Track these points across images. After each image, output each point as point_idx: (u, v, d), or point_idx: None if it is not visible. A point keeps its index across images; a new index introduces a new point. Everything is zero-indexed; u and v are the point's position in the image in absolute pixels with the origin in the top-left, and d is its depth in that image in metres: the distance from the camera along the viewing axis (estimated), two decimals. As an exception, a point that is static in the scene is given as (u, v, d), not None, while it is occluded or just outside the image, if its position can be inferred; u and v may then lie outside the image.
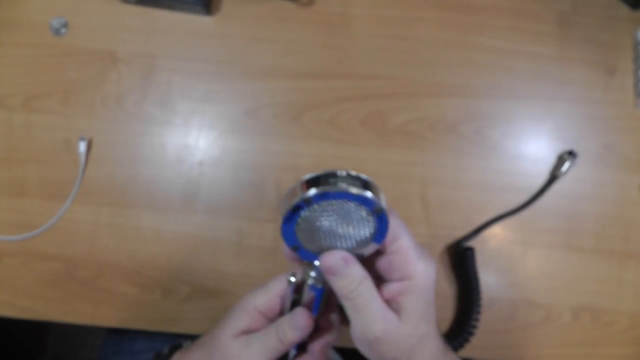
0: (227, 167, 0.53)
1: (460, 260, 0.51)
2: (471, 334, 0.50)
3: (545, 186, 0.53)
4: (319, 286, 0.34)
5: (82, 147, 0.52)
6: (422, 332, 0.33)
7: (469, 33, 0.55)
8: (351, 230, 0.30)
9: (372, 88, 0.54)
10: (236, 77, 0.54)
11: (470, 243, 0.52)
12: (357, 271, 0.32)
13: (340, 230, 0.30)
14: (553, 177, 0.53)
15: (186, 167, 0.53)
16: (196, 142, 0.54)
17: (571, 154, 0.52)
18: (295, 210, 0.29)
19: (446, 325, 0.52)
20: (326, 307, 0.37)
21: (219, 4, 0.55)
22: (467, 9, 0.55)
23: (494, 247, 0.53)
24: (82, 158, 0.52)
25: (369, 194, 0.29)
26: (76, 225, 0.52)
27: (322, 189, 0.28)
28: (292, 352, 0.37)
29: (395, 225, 0.32)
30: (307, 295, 0.34)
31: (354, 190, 0.28)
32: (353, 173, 0.29)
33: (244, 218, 0.53)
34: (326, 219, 0.30)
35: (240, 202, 0.53)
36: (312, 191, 0.28)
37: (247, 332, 0.35)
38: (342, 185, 0.28)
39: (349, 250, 0.32)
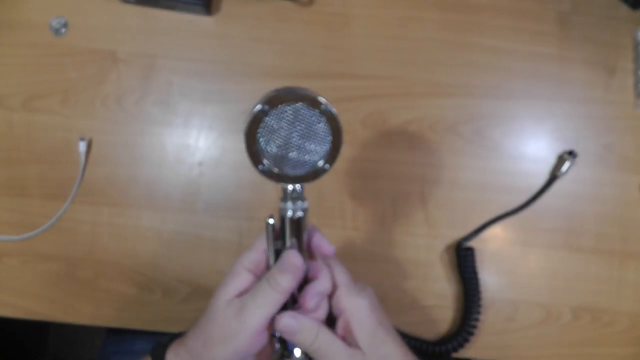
0: (227, 167, 0.53)
1: (460, 260, 0.51)
2: (471, 333, 0.50)
3: (545, 186, 0.53)
4: (298, 215, 0.34)
5: (82, 147, 0.52)
6: (383, 352, 0.35)
7: (469, 33, 0.55)
8: (309, 140, 0.32)
9: (372, 88, 0.54)
10: (236, 77, 0.54)
11: (470, 243, 0.52)
12: (309, 323, 0.34)
13: (295, 138, 0.32)
14: (553, 177, 0.53)
15: (186, 167, 0.53)
16: (196, 142, 0.54)
17: (571, 154, 0.52)
18: (255, 119, 0.32)
19: (446, 325, 0.52)
20: (310, 257, 0.36)
21: (219, 4, 0.55)
22: (467, 9, 0.55)
23: (494, 247, 0.53)
24: (82, 158, 0.52)
25: (316, 96, 0.32)
26: (76, 225, 0.52)
27: (275, 91, 0.31)
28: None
29: (332, 263, 0.36)
30: (289, 231, 0.34)
31: (303, 91, 0.31)
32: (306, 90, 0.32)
33: (244, 218, 0.53)
34: (283, 124, 0.32)
35: (240, 202, 0.53)
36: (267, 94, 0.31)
37: (240, 294, 0.34)
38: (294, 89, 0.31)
39: (311, 163, 0.33)
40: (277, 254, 0.35)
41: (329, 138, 0.33)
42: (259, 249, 0.36)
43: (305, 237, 0.35)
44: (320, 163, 0.33)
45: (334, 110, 0.32)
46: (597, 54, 0.55)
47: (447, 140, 0.54)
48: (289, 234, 0.34)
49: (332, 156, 0.33)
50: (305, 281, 0.35)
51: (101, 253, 0.52)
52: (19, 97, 0.53)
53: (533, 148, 0.54)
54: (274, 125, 0.32)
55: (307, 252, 0.36)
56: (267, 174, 0.33)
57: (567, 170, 0.52)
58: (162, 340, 0.38)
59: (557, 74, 0.54)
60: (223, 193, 0.53)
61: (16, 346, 1.03)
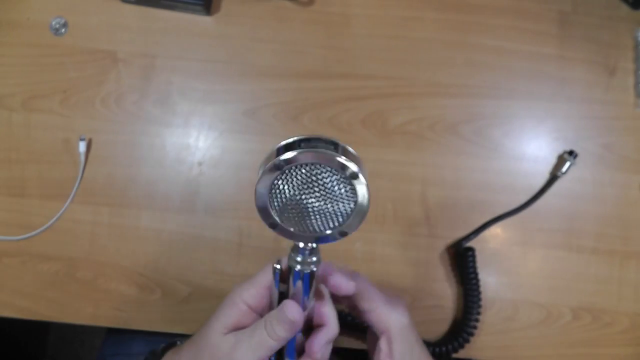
0: (227, 167, 0.53)
1: (460, 260, 0.51)
2: (471, 334, 0.50)
3: (546, 186, 0.53)
4: (307, 271, 0.32)
5: (82, 147, 0.52)
6: None
7: (469, 33, 0.55)
8: (328, 204, 0.28)
9: (372, 88, 0.54)
10: (236, 77, 0.54)
11: (470, 243, 0.52)
12: None
13: (315, 203, 0.28)
14: (553, 177, 0.53)
15: (186, 167, 0.53)
16: (196, 142, 0.54)
17: (571, 154, 0.52)
18: (271, 172, 0.28)
19: (446, 325, 0.52)
20: (318, 298, 0.35)
21: (219, 4, 0.55)
22: (467, 9, 0.55)
23: (494, 247, 0.53)
24: (82, 158, 0.52)
25: (343, 159, 0.27)
26: (76, 225, 0.52)
27: (296, 151, 0.27)
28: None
29: (362, 286, 0.36)
30: (296, 284, 0.32)
31: (328, 152, 0.27)
32: (329, 138, 0.28)
33: (244, 218, 0.53)
34: (300, 189, 0.28)
35: (240, 202, 0.53)
36: (287, 155, 0.27)
37: (237, 328, 0.34)
38: (318, 148, 0.27)
39: (330, 229, 0.30)
40: (282, 296, 0.34)
41: (353, 201, 0.29)
42: (261, 285, 0.35)
43: (314, 285, 0.33)
44: (340, 227, 0.30)
45: (362, 173, 0.28)
46: (598, 54, 0.55)
47: (447, 140, 0.54)
48: (295, 284, 0.33)
49: (355, 221, 0.30)
50: (310, 324, 0.35)
51: (101, 253, 0.52)
52: (19, 97, 0.53)
53: (533, 148, 0.54)
54: (288, 189, 0.28)
55: (316, 296, 0.35)
56: (281, 231, 0.30)
57: (567, 170, 0.52)
58: (156, 350, 0.39)
59: (558, 74, 0.54)
60: (223, 193, 0.53)
61: (16, 346, 1.03)
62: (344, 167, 0.27)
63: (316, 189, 0.28)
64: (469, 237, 0.52)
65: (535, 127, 0.54)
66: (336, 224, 0.30)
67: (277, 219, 0.29)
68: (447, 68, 0.54)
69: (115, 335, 0.60)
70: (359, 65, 0.54)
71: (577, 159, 0.52)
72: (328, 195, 0.28)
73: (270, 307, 0.35)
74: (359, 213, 0.29)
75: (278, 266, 0.33)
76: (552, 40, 0.55)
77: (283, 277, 0.33)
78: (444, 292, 0.52)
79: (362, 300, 0.37)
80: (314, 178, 0.28)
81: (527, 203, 0.53)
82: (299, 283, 0.32)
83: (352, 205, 0.29)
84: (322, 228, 0.30)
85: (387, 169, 0.53)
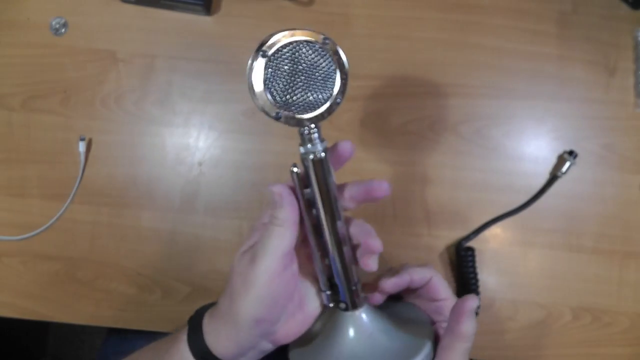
0: (227, 167, 0.53)
1: (459, 260, 0.51)
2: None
3: (546, 186, 0.53)
4: (320, 155, 0.33)
5: (82, 147, 0.52)
6: None
7: (469, 33, 0.55)
8: (316, 73, 0.32)
9: (372, 88, 0.54)
10: (236, 77, 0.54)
11: (470, 243, 0.52)
12: None
13: (304, 79, 0.31)
14: (553, 177, 0.53)
15: (186, 167, 0.53)
16: (196, 142, 0.54)
17: (571, 153, 0.52)
18: (259, 60, 0.31)
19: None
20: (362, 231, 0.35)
21: (219, 4, 0.55)
22: (467, 8, 0.55)
23: (494, 247, 0.53)
24: (82, 158, 0.52)
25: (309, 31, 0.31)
26: (76, 225, 0.52)
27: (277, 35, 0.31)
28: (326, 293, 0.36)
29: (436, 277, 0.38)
30: (314, 175, 0.33)
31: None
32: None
33: (244, 218, 0.53)
34: (285, 68, 0.31)
35: (240, 202, 0.53)
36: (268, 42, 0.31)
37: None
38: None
39: (325, 99, 0.32)
40: (308, 203, 0.34)
41: (336, 72, 0.32)
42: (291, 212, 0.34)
43: (332, 179, 0.34)
44: (332, 98, 0.33)
45: (332, 41, 0.32)
46: (598, 54, 0.55)
47: (447, 140, 0.54)
48: (315, 179, 0.33)
49: (342, 88, 0.33)
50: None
51: (101, 253, 0.52)
52: (19, 97, 0.53)
53: (533, 148, 0.54)
54: (276, 72, 0.31)
55: (340, 194, 0.35)
56: (283, 119, 0.32)
57: (567, 170, 0.52)
58: (199, 309, 0.38)
59: (558, 74, 0.54)
60: (223, 193, 0.53)
61: (16, 346, 1.03)
62: (314, 37, 0.31)
63: (302, 64, 0.31)
64: (469, 237, 0.52)
65: (535, 127, 0.54)
66: (329, 91, 0.32)
67: (278, 110, 0.32)
68: (447, 68, 0.54)
69: (116, 335, 0.60)
70: (359, 65, 0.54)
71: (577, 159, 0.52)
72: (313, 65, 0.32)
73: (301, 221, 0.35)
74: (343, 74, 0.32)
75: (296, 169, 0.33)
76: (552, 40, 0.55)
77: (303, 181, 0.34)
78: (444, 292, 0.52)
79: (435, 291, 0.38)
80: (296, 54, 0.31)
81: (527, 203, 0.53)
82: (317, 170, 0.33)
83: (334, 67, 0.32)
84: (319, 98, 0.32)
85: (387, 169, 0.53)
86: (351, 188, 0.35)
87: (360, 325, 0.37)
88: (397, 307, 0.41)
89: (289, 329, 0.36)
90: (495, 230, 0.53)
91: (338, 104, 0.33)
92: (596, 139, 0.54)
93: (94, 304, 0.52)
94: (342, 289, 0.36)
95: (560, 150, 0.54)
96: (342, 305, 0.36)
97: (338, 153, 0.34)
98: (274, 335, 0.36)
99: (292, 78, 0.31)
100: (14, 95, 0.53)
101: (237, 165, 0.53)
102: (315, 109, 0.32)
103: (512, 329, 0.52)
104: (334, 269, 0.35)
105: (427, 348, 0.36)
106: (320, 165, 0.33)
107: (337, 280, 0.36)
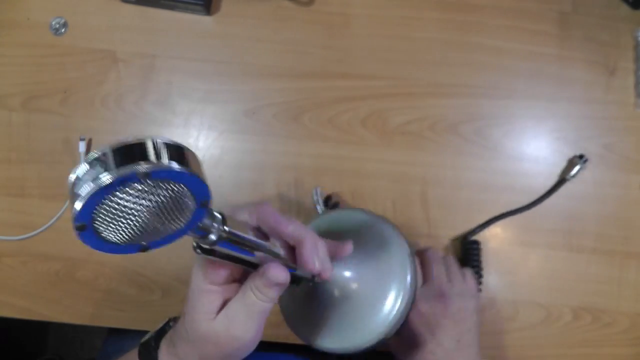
0: (227, 167, 0.53)
1: (466, 253, 0.51)
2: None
3: (554, 188, 0.52)
4: (223, 236, 0.28)
5: (82, 147, 0.52)
6: None
7: (469, 33, 0.55)
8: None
9: (372, 88, 0.54)
10: (236, 77, 0.54)
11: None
12: None
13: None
14: (562, 180, 0.52)
15: (186, 167, 0.53)
16: (196, 142, 0.54)
17: (581, 157, 0.52)
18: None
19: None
20: (272, 234, 0.33)
21: (219, 4, 0.55)
22: (467, 8, 0.55)
23: (495, 246, 0.53)
24: (82, 158, 0.52)
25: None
26: (76, 225, 0.52)
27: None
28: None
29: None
30: (235, 250, 0.30)
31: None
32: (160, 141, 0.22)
33: (243, 218, 0.53)
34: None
35: (240, 202, 0.53)
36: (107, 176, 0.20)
37: (221, 308, 0.33)
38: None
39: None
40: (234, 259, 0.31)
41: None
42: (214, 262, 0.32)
43: (251, 237, 0.31)
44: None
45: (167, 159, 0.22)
46: (598, 53, 0.55)
47: (447, 140, 0.53)
48: (235, 250, 0.30)
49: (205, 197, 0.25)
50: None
51: (101, 253, 0.52)
52: (19, 97, 0.53)
53: (533, 148, 0.54)
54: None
55: (267, 236, 0.33)
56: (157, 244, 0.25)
57: (576, 174, 0.52)
58: (148, 342, 0.37)
59: (558, 74, 0.54)
60: (223, 193, 0.53)
61: (16, 346, 1.03)
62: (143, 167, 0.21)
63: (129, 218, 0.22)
64: (474, 230, 0.52)
65: (535, 127, 0.54)
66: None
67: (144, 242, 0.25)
68: (447, 68, 0.54)
69: (116, 334, 0.60)
70: (359, 65, 0.54)
71: (581, 159, 0.52)
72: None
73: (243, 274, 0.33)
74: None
75: (199, 250, 0.29)
76: (552, 40, 0.55)
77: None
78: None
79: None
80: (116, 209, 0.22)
81: (534, 203, 0.52)
82: (232, 251, 0.30)
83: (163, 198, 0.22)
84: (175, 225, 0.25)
85: (387, 169, 0.53)
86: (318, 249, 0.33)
87: (339, 283, 0.38)
88: (345, 230, 0.43)
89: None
90: (496, 230, 0.53)
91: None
92: (596, 139, 0.54)
93: (94, 304, 0.52)
94: (300, 278, 0.35)
95: (559, 150, 0.54)
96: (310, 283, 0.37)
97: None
98: None
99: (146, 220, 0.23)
100: (14, 95, 0.53)
101: (237, 165, 0.53)
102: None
103: (512, 329, 0.52)
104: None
105: (408, 262, 0.39)
106: (231, 243, 0.29)
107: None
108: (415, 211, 0.53)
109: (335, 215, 0.46)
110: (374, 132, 0.54)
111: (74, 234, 0.23)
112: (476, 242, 0.51)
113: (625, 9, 0.55)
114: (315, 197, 0.48)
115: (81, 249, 0.52)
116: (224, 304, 0.33)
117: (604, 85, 0.54)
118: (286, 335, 0.50)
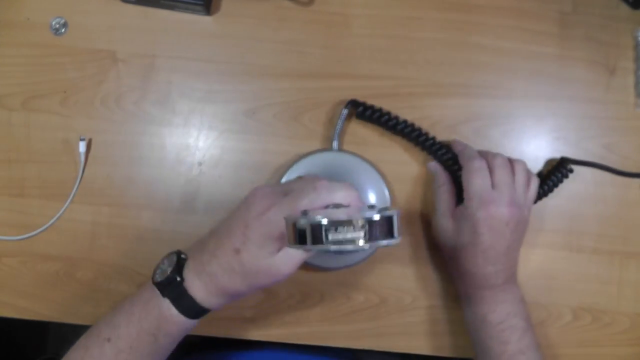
0: (227, 167, 0.53)
1: (554, 171, 0.51)
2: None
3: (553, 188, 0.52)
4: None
5: (82, 147, 0.52)
6: None
7: (469, 33, 0.55)
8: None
9: (372, 88, 0.54)
10: (236, 77, 0.54)
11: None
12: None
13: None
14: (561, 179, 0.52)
15: (186, 167, 0.53)
16: (196, 142, 0.54)
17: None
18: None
19: (446, 324, 0.52)
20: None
21: (219, 4, 0.55)
22: (467, 8, 0.55)
23: (494, 247, 0.53)
24: (82, 158, 0.52)
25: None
26: (75, 225, 0.52)
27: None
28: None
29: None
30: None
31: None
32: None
33: (243, 218, 0.52)
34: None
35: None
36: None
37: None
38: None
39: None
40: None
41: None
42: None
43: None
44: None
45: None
46: (598, 53, 0.55)
47: (447, 140, 0.53)
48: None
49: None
50: None
51: (101, 253, 0.52)
52: (19, 97, 0.53)
53: (533, 148, 0.54)
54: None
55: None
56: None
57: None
58: (172, 277, 0.41)
59: (558, 74, 0.54)
60: (223, 193, 0.53)
61: (16, 346, 1.03)
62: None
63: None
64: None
65: (535, 126, 0.54)
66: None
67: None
68: (447, 68, 0.54)
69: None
70: (359, 65, 0.54)
71: (578, 159, 0.52)
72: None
73: None
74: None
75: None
76: (553, 40, 0.55)
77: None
78: (444, 292, 0.52)
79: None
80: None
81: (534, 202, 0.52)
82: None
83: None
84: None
85: (387, 169, 0.53)
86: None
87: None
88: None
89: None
90: (496, 230, 0.53)
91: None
92: (596, 139, 0.54)
93: (94, 304, 0.52)
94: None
95: (560, 150, 0.54)
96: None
97: None
98: None
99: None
100: (14, 95, 0.53)
101: (237, 165, 0.53)
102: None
103: (512, 329, 0.52)
104: None
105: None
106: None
107: None
108: (415, 211, 0.53)
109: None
110: (374, 132, 0.53)
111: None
112: (568, 169, 0.51)
113: (625, 9, 0.55)
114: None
115: (81, 248, 0.52)
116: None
117: (604, 84, 0.54)
118: (278, 335, 0.50)
